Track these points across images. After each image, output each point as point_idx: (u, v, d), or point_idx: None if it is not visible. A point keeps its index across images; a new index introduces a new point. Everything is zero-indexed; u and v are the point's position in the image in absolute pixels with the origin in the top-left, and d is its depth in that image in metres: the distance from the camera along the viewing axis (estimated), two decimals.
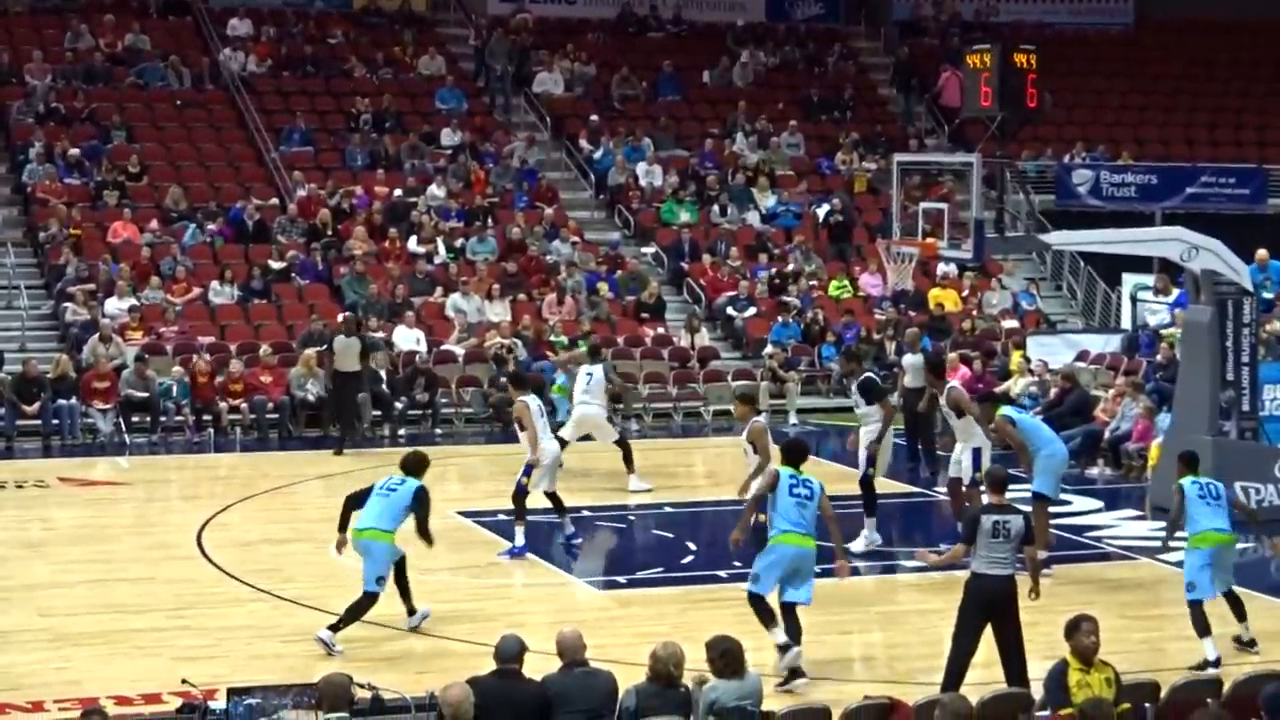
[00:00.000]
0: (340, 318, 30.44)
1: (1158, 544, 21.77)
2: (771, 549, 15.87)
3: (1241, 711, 11.37)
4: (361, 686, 12.09)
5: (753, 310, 34.84)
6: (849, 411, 23.88)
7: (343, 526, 17.42)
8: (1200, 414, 23.43)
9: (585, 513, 23.09)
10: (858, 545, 20.54)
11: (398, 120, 38.99)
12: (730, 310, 34.96)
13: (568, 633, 12.39)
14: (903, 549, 21.43)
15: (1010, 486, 15.32)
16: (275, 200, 36.05)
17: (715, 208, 38.02)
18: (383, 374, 30.30)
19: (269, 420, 29.95)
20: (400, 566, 17.33)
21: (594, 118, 40.04)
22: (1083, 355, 32.22)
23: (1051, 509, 21.00)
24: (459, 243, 35.38)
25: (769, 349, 32.95)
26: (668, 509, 23.73)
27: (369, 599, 16.85)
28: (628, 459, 24.74)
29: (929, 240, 24.43)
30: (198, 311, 32.61)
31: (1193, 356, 24.01)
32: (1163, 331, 30.63)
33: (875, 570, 20.55)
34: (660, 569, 20.37)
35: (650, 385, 32.20)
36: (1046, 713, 12.11)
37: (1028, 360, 30.39)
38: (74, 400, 29.18)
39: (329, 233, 34.79)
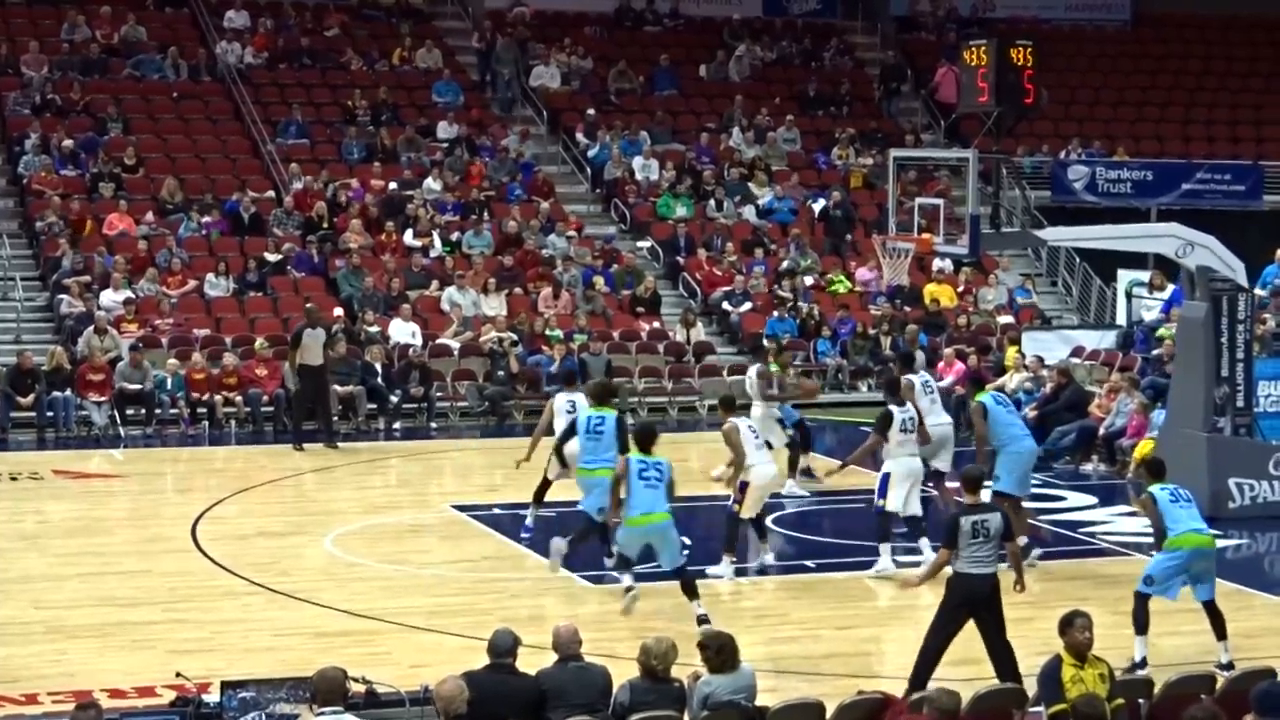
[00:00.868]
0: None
1: (1152, 539, 21.94)
2: (628, 530, 17.37)
3: (1235, 708, 11.37)
4: (356, 680, 12.09)
5: (748, 305, 34.84)
6: (844, 406, 23.85)
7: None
8: (1195, 410, 23.46)
9: (579, 507, 23.05)
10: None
11: (394, 113, 38.97)
12: (726, 305, 34.97)
13: (563, 627, 12.41)
14: (899, 545, 21.38)
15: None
16: (271, 193, 36.03)
17: (711, 202, 38.02)
18: (378, 367, 30.28)
19: (264, 413, 29.95)
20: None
21: (591, 111, 40.02)
22: (1078, 351, 32.25)
23: (1036, 503, 21.03)
24: (455, 236, 35.37)
25: (765, 344, 32.91)
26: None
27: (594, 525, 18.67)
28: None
29: (925, 236, 24.44)
30: (193, 304, 32.61)
31: (1188, 353, 24.03)
32: (1161, 330, 30.63)
33: (868, 566, 20.51)
34: (655, 564, 20.35)
35: (646, 380, 32.20)
36: (1040, 708, 12.12)
37: (1023, 356, 30.40)
38: (69, 392, 29.17)
39: (325, 225, 34.79)
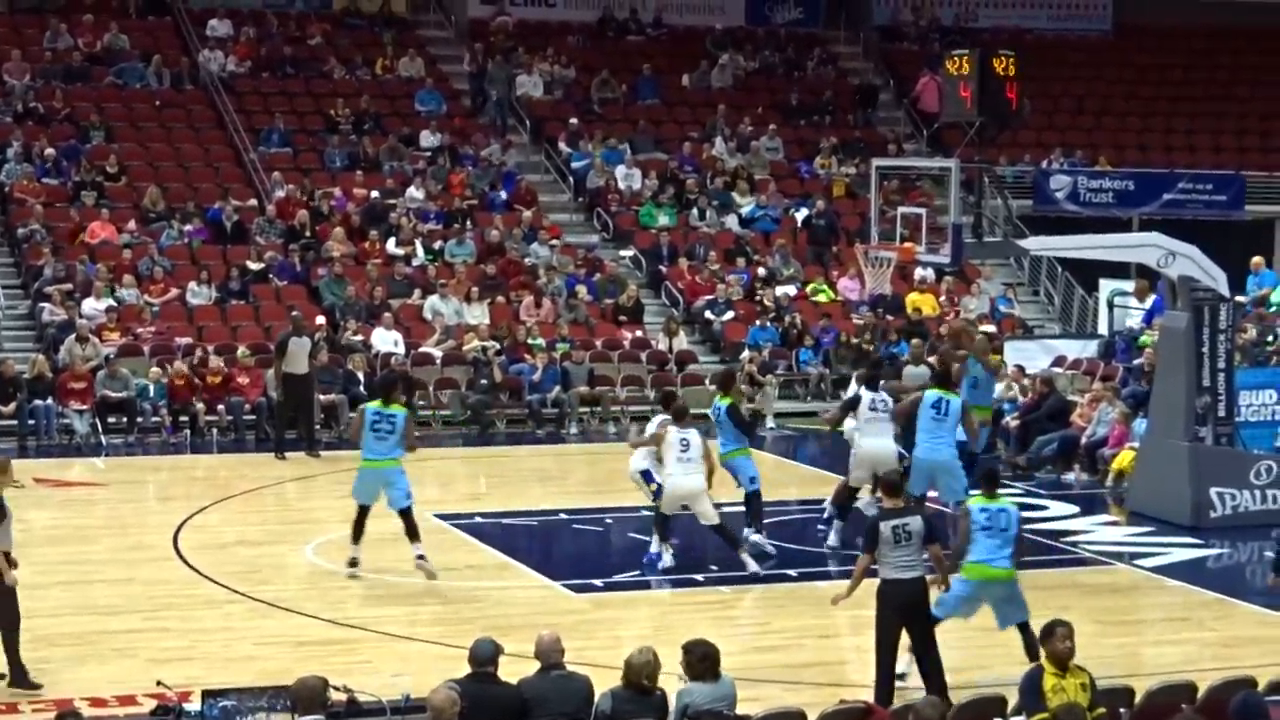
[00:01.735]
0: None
1: (1133, 549, 22.01)
2: (360, 474, 19.93)
3: (1216, 717, 11.39)
4: (337, 689, 12.08)
5: (731, 314, 34.85)
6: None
7: None
8: (1177, 419, 23.50)
9: (562, 515, 23.08)
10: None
11: (377, 122, 38.94)
12: (708, 314, 34.97)
13: (545, 636, 12.39)
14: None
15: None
16: (254, 201, 35.99)
17: (694, 211, 38.03)
18: (360, 375, 30.25)
19: (246, 421, 29.91)
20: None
21: (573, 120, 40.02)
22: (1060, 360, 32.26)
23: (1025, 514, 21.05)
24: (438, 245, 35.35)
25: (746, 352, 32.97)
26: (644, 512, 23.69)
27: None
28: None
29: (907, 245, 24.44)
30: (175, 312, 32.55)
31: (1169, 362, 24.06)
32: (1144, 338, 30.69)
33: (850, 575, 20.52)
34: (637, 572, 20.37)
35: (628, 388, 32.18)
36: (1022, 718, 12.12)
37: (1004, 365, 30.41)
38: (50, 401, 29.12)
39: (307, 234, 34.76)
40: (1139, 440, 25.34)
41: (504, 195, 37.44)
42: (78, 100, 37.50)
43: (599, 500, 24.32)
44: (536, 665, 12.24)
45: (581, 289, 34.75)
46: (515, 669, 12.39)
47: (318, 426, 29.13)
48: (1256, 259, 33.39)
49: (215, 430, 29.82)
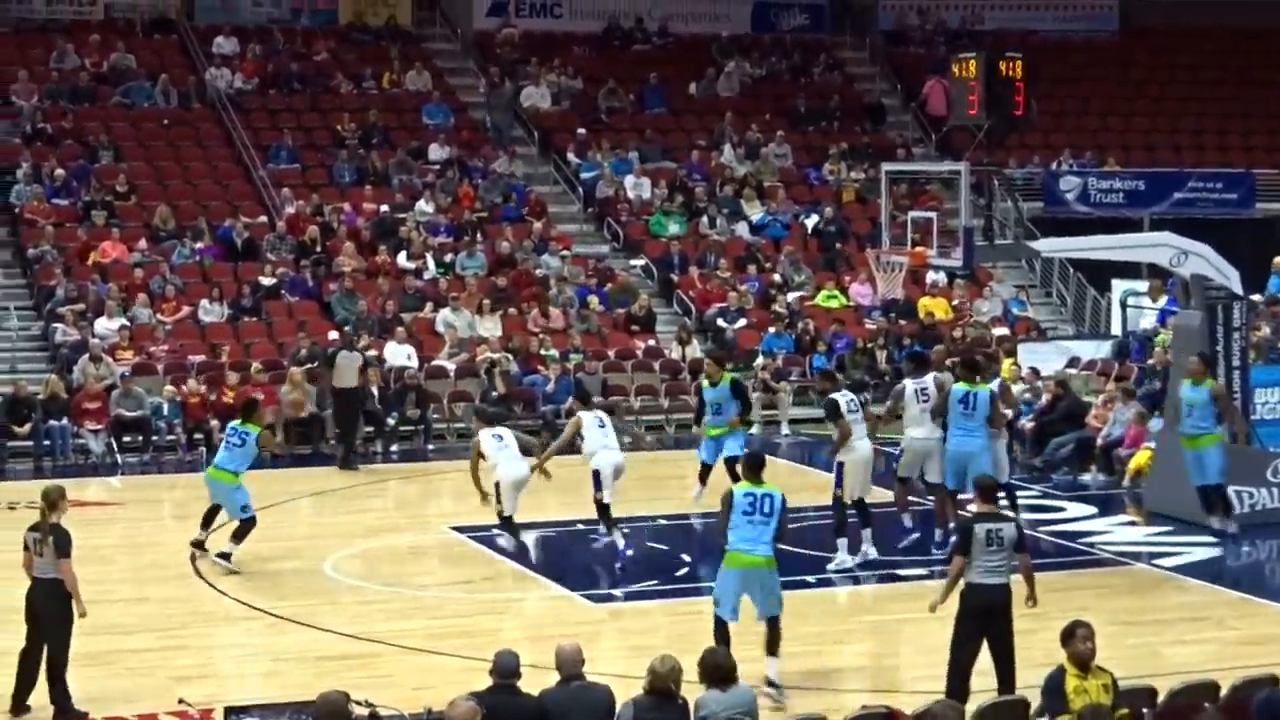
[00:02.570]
0: (338, 333, 30.60)
1: (1152, 549, 21.98)
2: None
3: (1239, 716, 11.37)
4: (359, 704, 12.07)
5: (743, 321, 34.83)
6: None
7: None
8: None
9: (579, 526, 23.06)
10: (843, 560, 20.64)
11: (385, 136, 38.97)
12: (720, 321, 34.95)
13: (566, 646, 12.36)
14: (902, 559, 21.37)
15: None
16: (264, 218, 36.02)
17: (704, 219, 38.03)
18: (374, 390, 30.26)
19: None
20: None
21: (581, 131, 40.04)
22: (1074, 362, 32.22)
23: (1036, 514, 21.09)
24: (448, 258, 35.36)
25: (760, 360, 32.95)
26: (661, 521, 23.71)
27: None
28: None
29: (918, 249, 24.44)
30: (188, 330, 32.56)
31: (1183, 361, 24.00)
32: (1160, 337, 30.64)
33: (871, 580, 20.54)
34: (654, 581, 20.35)
35: (642, 398, 32.17)
36: None
37: (1019, 368, 30.38)
38: (65, 421, 29.13)
39: (318, 249, 34.78)
40: (1154, 440, 25.30)
41: (513, 207, 37.44)
42: (86, 120, 37.56)
43: (616, 510, 24.23)
44: (556, 676, 12.22)
45: (593, 299, 34.77)
46: (535, 680, 12.37)
47: (332, 441, 29.21)
48: (1279, 259, 33.29)
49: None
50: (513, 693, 11.96)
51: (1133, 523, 23.95)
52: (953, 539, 16.00)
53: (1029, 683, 13.63)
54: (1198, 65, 46.33)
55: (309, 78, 40.41)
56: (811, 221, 38.45)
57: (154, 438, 29.49)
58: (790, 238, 38.04)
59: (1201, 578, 20.39)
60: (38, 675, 15.14)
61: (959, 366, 22.40)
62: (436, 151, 38.61)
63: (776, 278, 36.25)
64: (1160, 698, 12.63)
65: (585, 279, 35.53)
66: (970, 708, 12.09)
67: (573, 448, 21.69)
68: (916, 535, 21.71)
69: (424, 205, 36.68)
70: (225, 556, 20.81)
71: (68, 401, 29.38)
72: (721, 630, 15.50)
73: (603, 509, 21.36)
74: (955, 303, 35.94)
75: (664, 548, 22.21)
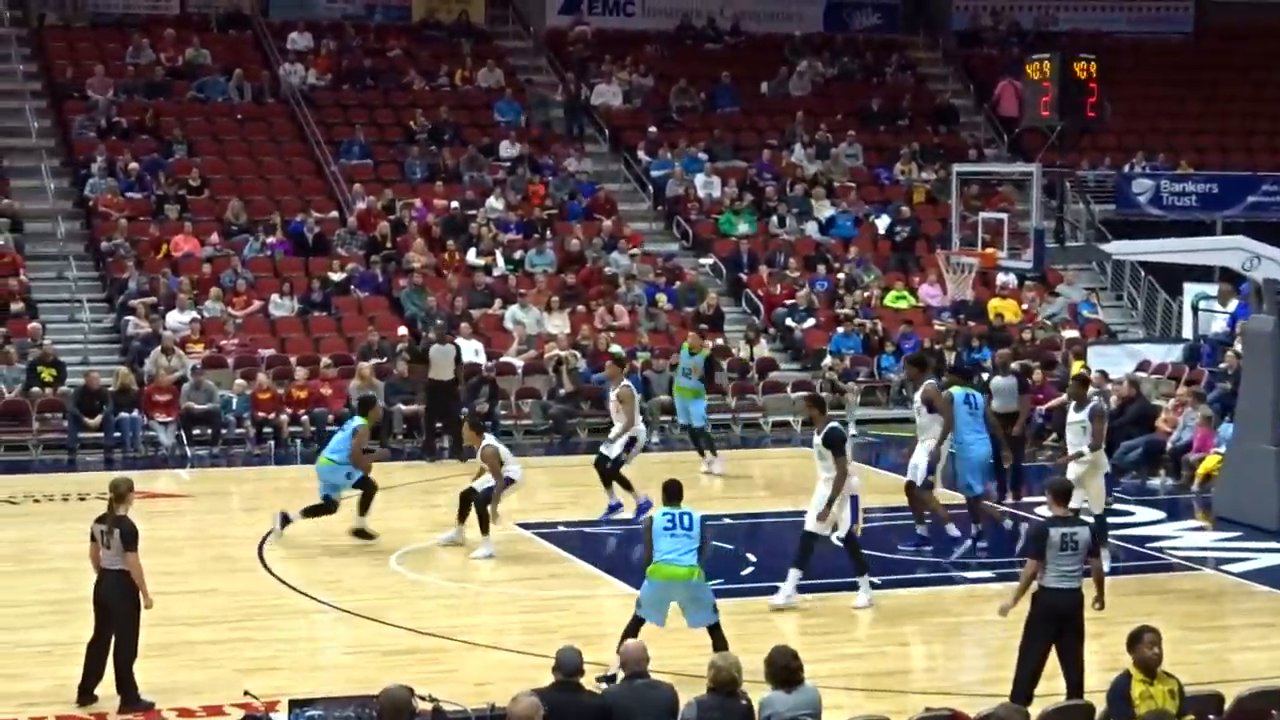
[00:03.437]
0: (406, 329, 30.77)
1: (1220, 554, 21.85)
2: None
3: None
4: (423, 698, 12.09)
5: (811, 321, 34.78)
6: (909, 422, 23.74)
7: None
8: (1263, 424, 23.29)
9: (641, 522, 23.05)
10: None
11: (456, 132, 39.09)
12: (789, 321, 34.91)
13: (632, 644, 12.38)
14: (967, 560, 21.30)
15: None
16: (335, 213, 36.18)
17: (774, 218, 37.99)
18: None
19: (329, 432, 29.98)
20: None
21: (652, 129, 40.07)
22: (1143, 365, 32.06)
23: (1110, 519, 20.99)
24: (518, 254, 35.44)
25: (828, 360, 32.90)
26: (727, 520, 23.69)
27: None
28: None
29: (989, 250, 24.36)
30: (258, 324, 32.75)
31: (1255, 366, 23.87)
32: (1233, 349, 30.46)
33: (933, 582, 20.48)
34: (720, 580, 20.32)
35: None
36: None
37: (1087, 370, 30.23)
38: (136, 413, 29.35)
39: (388, 245, 34.90)
40: (1224, 444, 25.13)
41: (582, 205, 37.50)
42: (160, 114, 37.78)
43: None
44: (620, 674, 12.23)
45: (661, 297, 34.78)
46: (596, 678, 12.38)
47: (399, 436, 29.35)
48: None
49: (299, 442, 29.97)
50: (575, 690, 11.97)
51: (1201, 528, 23.82)
52: (1022, 542, 15.92)
53: (1094, 687, 13.58)
54: (1273, 67, 45.97)
55: (381, 74, 40.57)
56: (883, 222, 38.35)
57: (223, 431, 29.67)
58: (860, 238, 37.96)
59: (1270, 584, 20.23)
60: (105, 665, 15.26)
61: (948, 373, 22.67)
62: (507, 149, 38.69)
63: (843, 277, 36.17)
64: (1227, 704, 12.54)
65: (654, 277, 35.54)
66: (1034, 712, 12.03)
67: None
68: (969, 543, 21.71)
69: (494, 202, 36.77)
70: (360, 532, 22.11)
71: (138, 394, 29.58)
72: (635, 626, 15.79)
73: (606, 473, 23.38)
74: (1025, 305, 35.79)
75: (729, 547, 22.18)
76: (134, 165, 35.88)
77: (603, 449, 23.62)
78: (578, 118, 40.42)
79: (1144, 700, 11.88)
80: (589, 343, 32.45)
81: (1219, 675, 15.30)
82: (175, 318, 31.86)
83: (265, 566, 20.96)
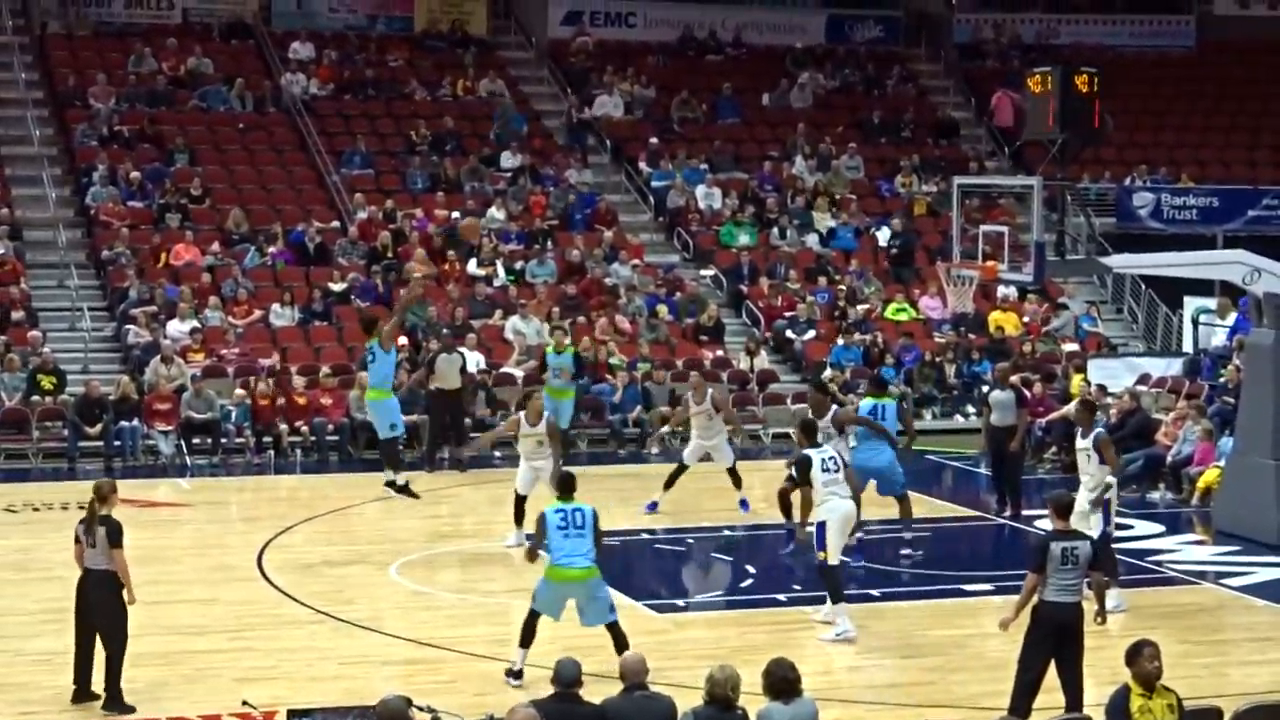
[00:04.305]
0: (406, 339, 30.81)
1: (1219, 568, 21.84)
2: None
3: None
4: (421, 709, 12.10)
5: (812, 333, 34.79)
6: (903, 433, 23.62)
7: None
8: (1263, 437, 23.29)
9: (644, 535, 23.07)
10: None
11: (457, 143, 39.11)
12: (789, 333, 34.92)
13: (630, 655, 12.37)
14: (966, 573, 21.30)
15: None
16: (336, 223, 36.19)
17: (774, 230, 38.00)
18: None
19: (329, 442, 30.06)
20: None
21: (653, 140, 40.09)
22: (1144, 378, 32.05)
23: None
24: (519, 265, 35.45)
25: (828, 371, 32.90)
26: (726, 532, 23.70)
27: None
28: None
29: (989, 263, 24.39)
30: (259, 333, 32.75)
31: (1255, 380, 23.87)
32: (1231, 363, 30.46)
33: (933, 595, 20.47)
34: (719, 592, 20.34)
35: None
36: None
37: (1088, 384, 30.23)
38: (136, 422, 29.36)
39: (389, 255, 34.91)
40: (1224, 458, 25.13)
41: (583, 216, 37.51)
42: (162, 123, 37.82)
43: (681, 520, 24.30)
44: (619, 686, 12.22)
45: (662, 309, 34.79)
46: (597, 690, 12.38)
47: (401, 447, 29.32)
48: None
49: (299, 451, 29.98)
50: (573, 701, 11.97)
51: (1201, 542, 23.82)
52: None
53: (1093, 701, 13.58)
54: (1274, 81, 45.94)
55: (383, 84, 40.61)
56: (884, 235, 38.35)
57: (223, 440, 29.67)
58: (861, 250, 37.97)
59: (1269, 598, 20.23)
60: (93, 662, 15.28)
61: (867, 383, 22.75)
62: (508, 159, 38.71)
63: (844, 289, 36.17)
64: (1226, 718, 12.54)
65: (654, 288, 35.55)
66: None
67: None
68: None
69: (495, 212, 36.78)
70: (392, 485, 22.46)
71: (138, 403, 29.60)
72: (532, 620, 16.20)
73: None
74: (1028, 318, 35.79)
75: (729, 559, 22.20)
76: (135, 174, 35.88)
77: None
78: (580, 137, 40.43)
79: (1143, 714, 11.86)
80: (589, 354, 32.42)
81: (1218, 689, 15.31)
82: (176, 327, 31.86)
83: (265, 576, 20.95)
